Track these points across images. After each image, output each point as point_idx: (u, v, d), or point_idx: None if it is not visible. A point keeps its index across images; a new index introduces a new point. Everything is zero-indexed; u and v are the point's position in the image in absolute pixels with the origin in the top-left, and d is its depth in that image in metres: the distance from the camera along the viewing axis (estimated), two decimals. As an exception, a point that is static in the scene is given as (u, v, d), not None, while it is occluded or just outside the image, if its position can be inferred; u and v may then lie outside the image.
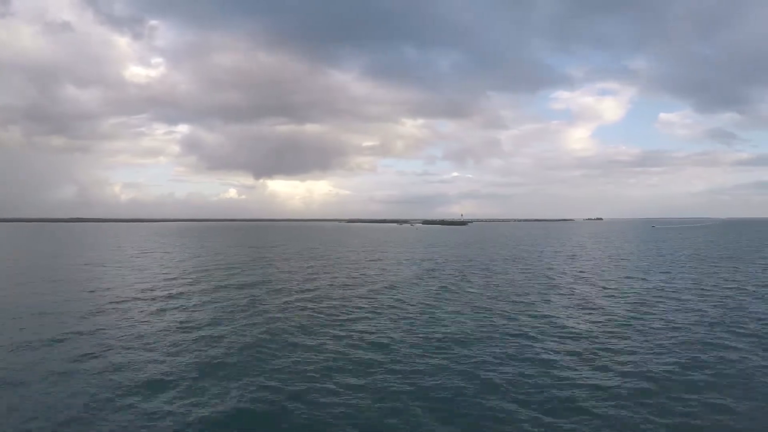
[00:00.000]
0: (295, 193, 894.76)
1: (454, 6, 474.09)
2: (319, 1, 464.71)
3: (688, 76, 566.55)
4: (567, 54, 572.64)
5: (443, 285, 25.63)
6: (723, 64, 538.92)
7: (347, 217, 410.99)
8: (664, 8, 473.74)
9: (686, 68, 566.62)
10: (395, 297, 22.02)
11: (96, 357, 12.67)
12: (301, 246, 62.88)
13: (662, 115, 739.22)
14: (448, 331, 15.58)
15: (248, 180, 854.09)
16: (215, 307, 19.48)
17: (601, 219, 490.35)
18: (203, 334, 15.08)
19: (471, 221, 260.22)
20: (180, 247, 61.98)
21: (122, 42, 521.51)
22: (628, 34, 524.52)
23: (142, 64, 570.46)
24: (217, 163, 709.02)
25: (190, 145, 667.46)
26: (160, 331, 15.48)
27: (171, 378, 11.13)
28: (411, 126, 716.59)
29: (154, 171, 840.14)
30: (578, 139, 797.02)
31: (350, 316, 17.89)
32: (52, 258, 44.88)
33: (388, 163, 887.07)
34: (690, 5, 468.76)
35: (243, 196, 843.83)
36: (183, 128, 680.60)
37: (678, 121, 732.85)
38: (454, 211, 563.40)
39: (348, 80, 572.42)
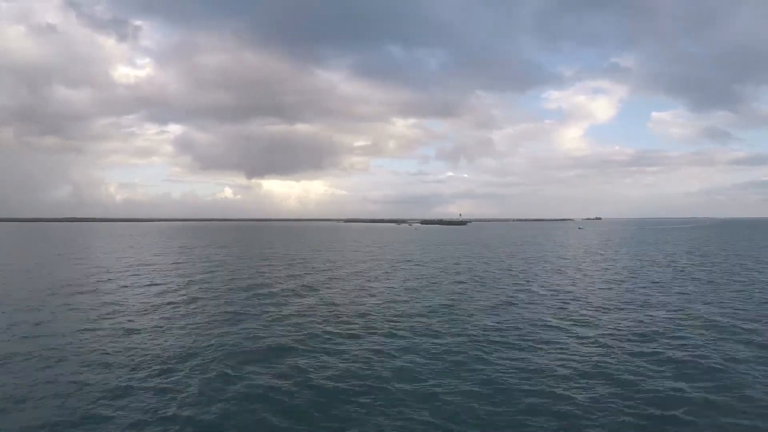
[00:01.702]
0: (291, 193, 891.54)
1: (439, 5, 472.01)
2: (302, 1, 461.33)
3: (680, 74, 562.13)
4: (555, 52, 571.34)
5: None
6: (715, 61, 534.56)
7: (344, 217, 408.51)
8: (653, 5, 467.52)
9: (678, 66, 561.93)
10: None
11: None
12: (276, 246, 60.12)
13: (655, 114, 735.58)
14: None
15: (242, 180, 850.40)
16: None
17: (600, 219, 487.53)
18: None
19: (470, 221, 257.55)
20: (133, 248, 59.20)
21: (109, 43, 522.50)
22: (616, 31, 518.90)
23: (130, 64, 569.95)
24: (210, 162, 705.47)
25: (182, 145, 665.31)
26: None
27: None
28: (402, 126, 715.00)
29: (149, 171, 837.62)
30: (571, 139, 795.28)
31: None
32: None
33: (381, 163, 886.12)
34: (680, 2, 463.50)
35: (238, 196, 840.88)
36: (174, 128, 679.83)
37: (671, 120, 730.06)
38: (450, 211, 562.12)
39: (336, 80, 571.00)
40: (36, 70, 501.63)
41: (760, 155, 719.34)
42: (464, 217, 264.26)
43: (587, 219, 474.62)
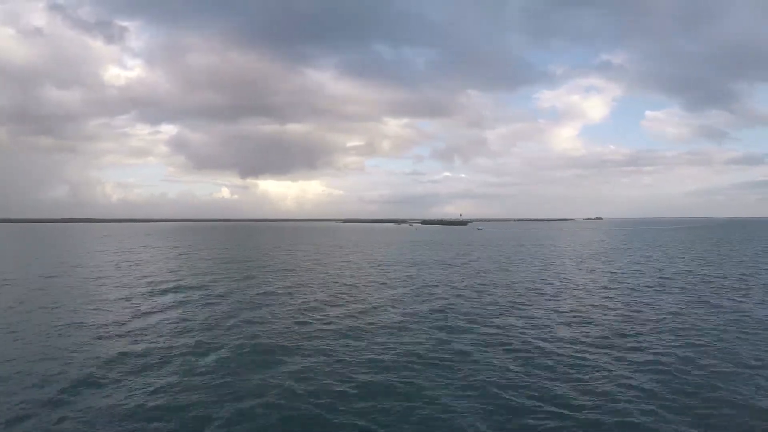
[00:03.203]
0: (288, 193, 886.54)
1: (427, 4, 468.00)
2: (290, 1, 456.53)
3: (674, 72, 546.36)
4: (546, 50, 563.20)
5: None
6: (710, 60, 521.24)
7: (342, 217, 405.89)
8: (646, 1, 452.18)
9: (672, 64, 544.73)
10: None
11: None
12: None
13: (649, 113, 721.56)
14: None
15: (237, 180, 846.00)
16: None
17: (600, 219, 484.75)
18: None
19: (471, 221, 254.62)
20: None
21: (97, 45, 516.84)
22: (608, 27, 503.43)
23: (120, 65, 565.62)
24: (204, 162, 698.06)
25: (177, 145, 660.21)
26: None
27: None
28: (395, 125, 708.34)
29: (146, 171, 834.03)
30: (567, 138, 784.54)
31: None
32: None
33: (375, 162, 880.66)
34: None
35: (235, 196, 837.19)
36: (167, 128, 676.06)
37: (666, 119, 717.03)
38: (448, 211, 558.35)
39: (325, 80, 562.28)
40: (27, 71, 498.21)
41: (756, 155, 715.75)
42: (464, 217, 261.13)
43: (588, 219, 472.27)
